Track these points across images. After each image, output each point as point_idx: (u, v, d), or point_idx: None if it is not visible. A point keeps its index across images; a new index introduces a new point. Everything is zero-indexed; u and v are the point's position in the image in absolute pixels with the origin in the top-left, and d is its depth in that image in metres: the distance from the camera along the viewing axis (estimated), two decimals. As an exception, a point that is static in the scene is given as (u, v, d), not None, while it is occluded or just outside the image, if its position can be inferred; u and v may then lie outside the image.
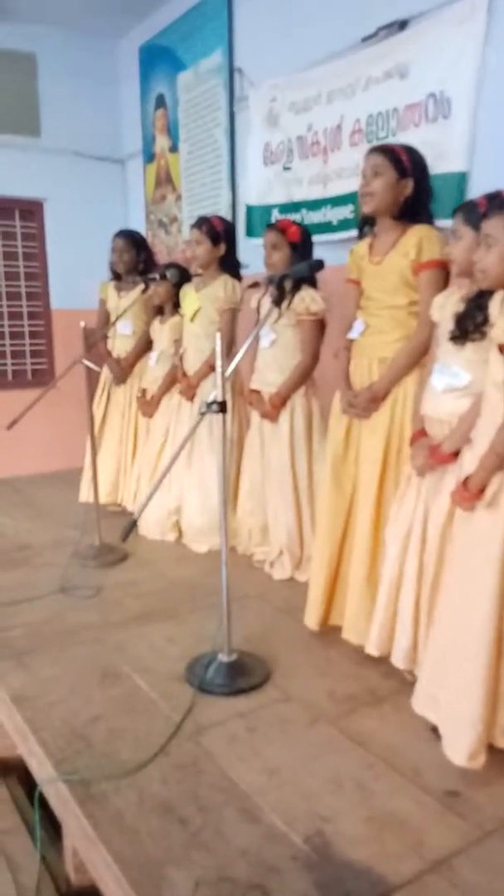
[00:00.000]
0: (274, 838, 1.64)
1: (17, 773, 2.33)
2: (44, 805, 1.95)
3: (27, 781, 2.21)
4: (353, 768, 1.88)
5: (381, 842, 1.62)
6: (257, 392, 3.31)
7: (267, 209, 4.23)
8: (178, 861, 1.57)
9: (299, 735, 2.05)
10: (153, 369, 4.03)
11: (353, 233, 3.24)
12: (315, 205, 3.84)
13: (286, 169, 4.06)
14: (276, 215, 4.15)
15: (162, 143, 5.32)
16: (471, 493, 1.84)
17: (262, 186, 4.27)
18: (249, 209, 4.34)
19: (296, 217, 3.89)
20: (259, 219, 4.24)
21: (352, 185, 3.48)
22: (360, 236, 2.63)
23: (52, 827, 1.98)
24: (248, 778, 1.85)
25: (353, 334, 2.59)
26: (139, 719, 2.13)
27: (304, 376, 3.17)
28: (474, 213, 1.99)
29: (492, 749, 1.84)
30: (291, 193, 4.05)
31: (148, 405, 4.02)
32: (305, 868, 1.55)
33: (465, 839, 1.63)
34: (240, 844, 1.62)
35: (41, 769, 1.99)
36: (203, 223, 3.51)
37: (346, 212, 3.61)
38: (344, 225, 3.62)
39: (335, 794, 1.79)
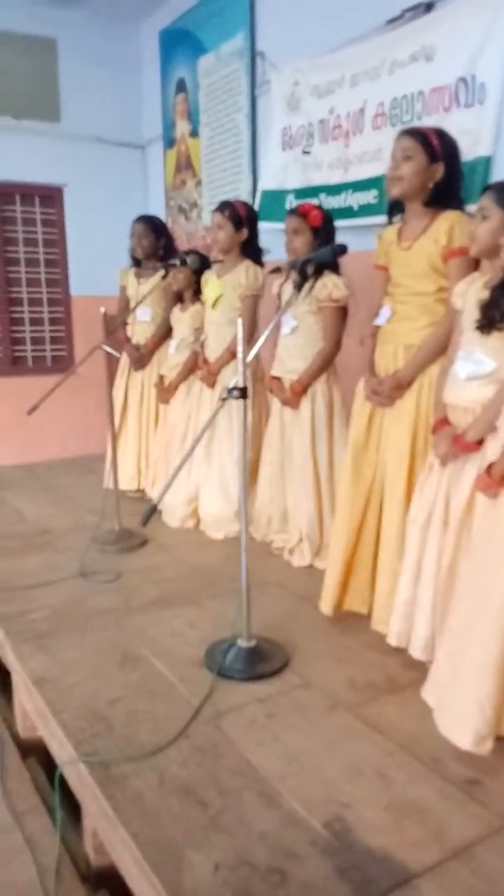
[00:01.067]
0: (293, 823, 1.64)
1: (37, 754, 2.34)
2: (64, 786, 1.96)
3: (48, 763, 2.23)
4: (373, 755, 1.88)
5: (401, 829, 1.62)
6: (278, 379, 3.29)
7: (282, 194, 4.21)
8: (198, 844, 1.58)
9: (318, 721, 2.04)
10: (172, 356, 4.03)
11: (377, 219, 3.20)
12: (335, 189, 3.80)
13: (305, 153, 4.01)
14: (291, 200, 4.12)
15: (182, 128, 5.29)
16: (494, 479, 1.82)
17: (278, 171, 4.24)
18: (264, 194, 4.32)
19: (314, 202, 3.86)
20: (273, 204, 4.21)
21: (374, 169, 3.43)
22: (390, 221, 2.60)
23: (73, 808, 1.99)
24: (267, 763, 1.85)
25: (379, 321, 2.56)
26: (159, 703, 2.13)
27: (326, 364, 3.15)
28: None
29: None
30: (310, 178, 4.01)
31: (165, 391, 4.02)
32: (325, 854, 1.55)
33: (487, 827, 1.62)
34: (259, 828, 1.62)
35: (62, 750, 2.00)
36: (226, 207, 3.49)
37: (369, 197, 3.57)
38: (366, 210, 3.57)
39: (355, 780, 1.78)
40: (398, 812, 1.67)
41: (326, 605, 2.62)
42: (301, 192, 4.06)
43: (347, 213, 3.67)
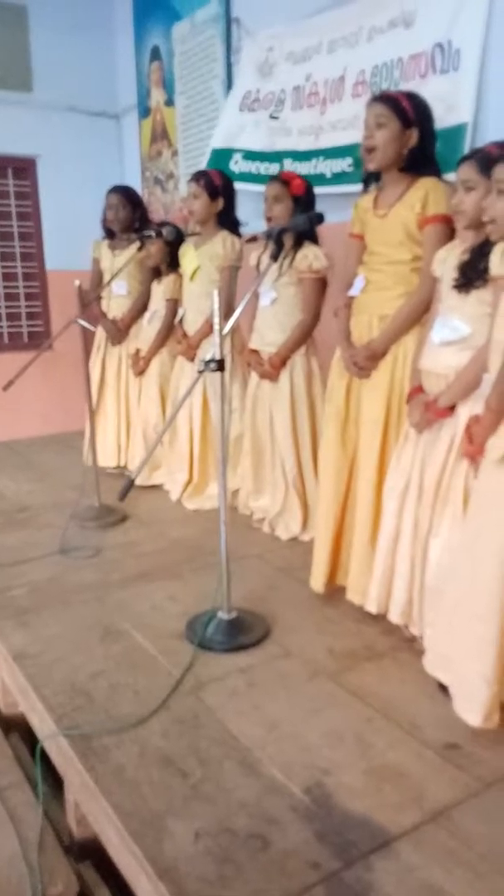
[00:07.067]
0: (274, 790, 1.65)
1: (19, 730, 2.34)
2: (46, 761, 1.96)
3: (29, 738, 2.23)
4: (353, 722, 1.89)
5: (380, 793, 1.64)
6: (256, 352, 3.26)
7: (229, 152, 4.20)
8: (179, 813, 1.58)
9: (299, 690, 2.05)
10: (146, 329, 4.00)
11: (350, 187, 3.16)
12: (305, 156, 3.74)
13: (273, 118, 3.96)
14: (237, 160, 4.14)
15: (157, 96, 5.19)
16: (476, 445, 1.82)
17: (230, 132, 4.22)
18: (214, 152, 4.29)
19: (276, 166, 3.85)
20: (219, 163, 4.18)
21: (350, 136, 3.39)
22: (366, 190, 2.56)
23: (55, 782, 1.99)
24: (248, 731, 1.86)
25: (353, 291, 2.53)
26: (140, 675, 2.14)
27: (305, 336, 3.13)
28: (489, 161, 1.91)
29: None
30: (274, 142, 3.96)
31: (140, 364, 3.99)
32: (305, 819, 1.56)
33: (465, 791, 1.64)
34: (240, 796, 1.63)
35: (42, 725, 2.00)
36: (201, 176, 3.44)
37: (343, 164, 3.51)
38: (340, 178, 3.52)
39: (334, 746, 1.79)
40: (377, 777, 1.69)
41: (317, 582, 2.58)
42: (260, 155, 4.03)
43: (319, 180, 3.61)
